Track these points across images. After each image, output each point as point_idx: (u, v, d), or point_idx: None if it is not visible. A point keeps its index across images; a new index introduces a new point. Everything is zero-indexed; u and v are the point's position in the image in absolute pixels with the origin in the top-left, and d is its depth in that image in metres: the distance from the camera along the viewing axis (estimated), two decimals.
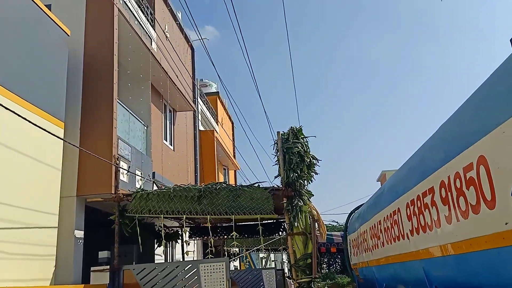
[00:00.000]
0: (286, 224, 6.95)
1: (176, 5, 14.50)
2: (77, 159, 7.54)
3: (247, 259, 18.77)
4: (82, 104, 7.74)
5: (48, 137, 6.07)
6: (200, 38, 12.10)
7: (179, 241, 11.06)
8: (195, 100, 16.07)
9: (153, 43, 11.74)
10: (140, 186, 7.53)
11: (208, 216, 7.13)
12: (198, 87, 18.89)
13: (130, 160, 9.61)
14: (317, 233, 7.29)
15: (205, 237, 10.97)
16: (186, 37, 15.90)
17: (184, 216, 7.16)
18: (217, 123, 20.45)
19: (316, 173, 7.24)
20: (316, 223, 6.97)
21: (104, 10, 7.90)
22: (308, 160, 7.17)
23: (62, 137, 6.85)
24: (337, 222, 23.29)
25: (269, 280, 14.87)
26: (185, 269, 6.91)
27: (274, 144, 7.43)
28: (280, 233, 10.48)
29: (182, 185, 7.39)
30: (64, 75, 6.99)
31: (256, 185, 7.22)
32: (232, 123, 25.14)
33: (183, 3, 13.85)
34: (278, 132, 7.36)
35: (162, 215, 7.18)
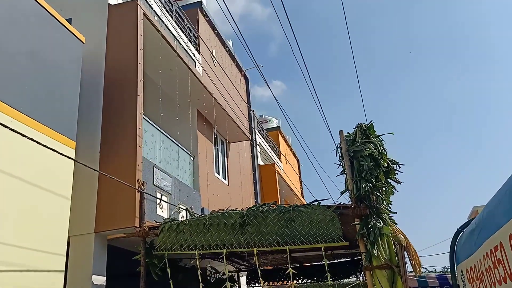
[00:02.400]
0: (362, 255, 4.95)
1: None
2: (96, 188, 6.28)
3: None
4: (103, 122, 6.60)
5: (54, 159, 4.87)
6: (256, 65, 10.85)
7: None
8: (252, 131, 14.72)
9: (197, 66, 10.71)
10: (170, 216, 6.02)
11: (255, 249, 5.35)
12: (258, 122, 17.64)
13: (171, 192, 8.24)
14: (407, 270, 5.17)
15: (268, 283, 9.06)
16: (238, 66, 14.90)
17: (224, 250, 5.45)
18: (279, 158, 18.85)
19: (399, 182, 5.25)
20: (405, 252, 4.90)
21: (128, 16, 6.91)
22: (386, 165, 5.23)
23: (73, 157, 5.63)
24: (425, 269, 19.84)
25: None
26: None
27: (337, 148, 5.61)
28: (359, 274, 8.28)
29: (220, 210, 5.76)
30: (77, 86, 5.89)
31: (316, 203, 5.37)
32: (298, 161, 23.39)
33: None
34: (340, 132, 5.56)
35: (196, 251, 5.54)
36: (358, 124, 5.55)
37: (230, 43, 14.63)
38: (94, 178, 6.30)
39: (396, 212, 5.06)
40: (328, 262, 8.73)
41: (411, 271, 7.33)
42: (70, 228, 6.23)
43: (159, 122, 8.66)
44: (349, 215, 5.17)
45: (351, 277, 8.35)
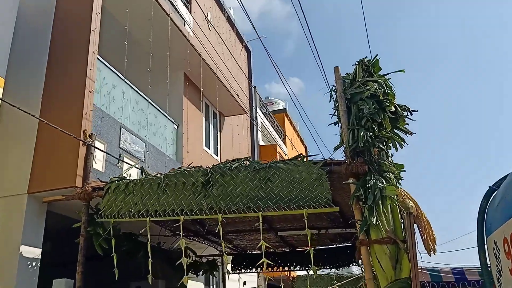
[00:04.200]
0: (357, 224, 3.69)
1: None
2: (33, 141, 5.12)
3: None
4: (49, 63, 5.44)
5: None
6: (259, 37, 9.74)
7: (218, 274, 8.10)
8: (252, 108, 13.48)
9: (187, 27, 9.51)
10: (120, 175, 4.86)
11: (219, 216, 4.14)
12: (261, 100, 16.39)
13: (143, 159, 7.08)
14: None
15: (256, 270, 7.85)
16: (239, 36, 13.64)
17: (182, 218, 4.25)
18: (284, 142, 17.57)
19: (410, 133, 3.97)
20: (415, 222, 3.62)
21: None
22: (393, 110, 3.95)
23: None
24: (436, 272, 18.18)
25: None
26: None
27: (331, 91, 4.34)
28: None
29: (180, 168, 4.55)
30: (12, 19, 4.74)
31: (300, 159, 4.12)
32: (306, 148, 22.06)
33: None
34: (336, 68, 4.28)
35: (148, 218, 4.35)
36: (360, 59, 4.27)
37: (231, 12, 13.40)
38: (32, 129, 5.17)
39: (404, 169, 3.77)
40: (325, 247, 7.54)
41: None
42: None
43: (138, 83, 7.51)
44: (341, 174, 3.91)
45: (352, 265, 7.08)
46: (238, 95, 11.15)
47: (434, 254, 3.60)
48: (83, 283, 4.31)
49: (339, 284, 10.78)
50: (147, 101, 7.74)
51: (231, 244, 7.21)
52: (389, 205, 3.61)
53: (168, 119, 8.53)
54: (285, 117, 18.57)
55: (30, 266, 4.69)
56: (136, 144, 7.11)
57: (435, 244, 3.64)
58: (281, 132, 17.60)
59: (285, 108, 19.25)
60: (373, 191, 3.54)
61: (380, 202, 3.54)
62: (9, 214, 4.86)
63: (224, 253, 4.33)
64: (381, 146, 3.82)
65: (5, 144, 5.26)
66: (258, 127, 14.12)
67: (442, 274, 8.91)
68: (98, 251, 4.60)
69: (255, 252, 7.71)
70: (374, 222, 3.43)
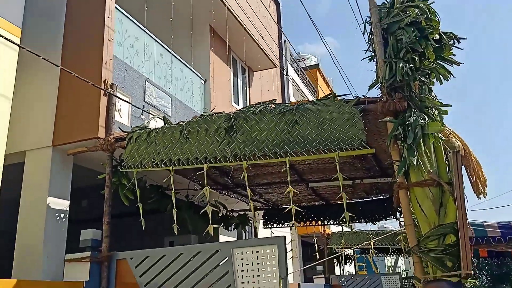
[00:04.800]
0: (395, 166, 3.33)
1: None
2: (56, 93, 4.99)
3: (364, 264, 14.84)
4: (68, 13, 5.21)
5: None
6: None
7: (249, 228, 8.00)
8: (282, 62, 12.98)
9: None
10: (142, 124, 4.65)
11: (244, 162, 3.89)
12: (292, 55, 15.80)
13: (170, 114, 6.90)
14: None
15: (288, 224, 7.67)
16: None
17: (205, 166, 4.03)
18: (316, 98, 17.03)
19: (457, 63, 3.49)
20: (462, 164, 3.22)
21: None
22: (437, 38, 3.48)
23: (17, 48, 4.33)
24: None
25: None
26: (210, 257, 3.78)
27: (365, 23, 3.89)
28: (400, 215, 6.63)
29: (202, 115, 4.30)
30: None
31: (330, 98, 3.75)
32: None
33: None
34: None
35: (171, 167, 4.16)
36: None
37: None
38: (54, 82, 5.02)
39: (450, 105, 3.34)
40: (360, 200, 7.22)
41: None
42: (23, 141, 5.08)
43: (160, 35, 7.22)
44: (377, 113, 3.53)
45: (389, 218, 6.75)
46: (267, 46, 10.69)
47: (484, 197, 3.22)
48: (110, 233, 4.23)
49: (375, 239, 10.51)
50: (172, 54, 7.47)
51: (262, 198, 7.03)
52: (432, 144, 3.23)
53: (195, 73, 8.26)
54: (318, 73, 17.91)
55: (58, 218, 4.68)
56: (162, 99, 6.92)
57: (486, 186, 3.25)
58: (313, 89, 17.03)
59: (318, 64, 18.55)
60: (413, 129, 3.15)
61: (421, 140, 3.16)
62: (36, 167, 4.81)
63: (251, 203, 4.09)
64: (422, 79, 3.39)
65: (28, 98, 5.16)
66: (289, 83, 13.65)
67: (487, 229, 8.43)
68: (124, 201, 4.50)
69: (286, 206, 7.50)
70: (415, 163, 3.06)
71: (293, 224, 7.40)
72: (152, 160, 4.25)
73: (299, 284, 9.63)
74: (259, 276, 3.60)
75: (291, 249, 7.44)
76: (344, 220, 7.18)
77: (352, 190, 6.44)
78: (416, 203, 3.15)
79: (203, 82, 8.56)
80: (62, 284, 3.98)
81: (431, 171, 3.15)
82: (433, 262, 2.92)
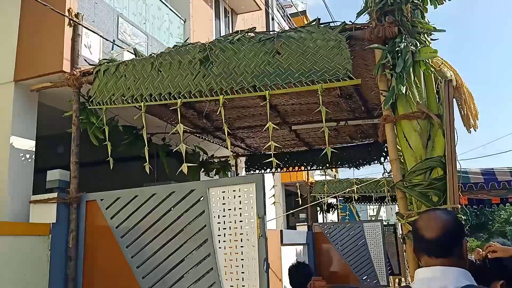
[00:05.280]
0: (381, 96, 3.09)
1: None
2: (16, 26, 4.54)
3: (346, 213, 15.07)
4: None
5: None
6: None
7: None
8: (268, 8, 12.37)
9: None
10: (110, 57, 4.29)
11: (221, 97, 3.60)
12: (279, 2, 15.12)
13: (145, 54, 6.47)
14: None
15: (271, 170, 7.52)
16: None
17: (179, 101, 3.73)
18: None
19: None
20: (453, 95, 2.99)
21: None
22: None
23: None
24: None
25: (373, 236, 11.01)
26: (184, 197, 3.58)
27: None
28: (385, 160, 6.49)
29: (177, 45, 3.95)
30: None
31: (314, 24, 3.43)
32: None
33: None
34: None
35: (143, 103, 3.86)
36: None
37: None
38: (14, 11, 4.56)
39: (444, 30, 3.06)
40: (345, 145, 7.05)
41: None
42: None
43: None
44: (365, 41, 3.24)
45: (373, 163, 6.63)
46: None
47: (475, 130, 3.03)
48: (79, 174, 3.98)
49: (358, 186, 10.53)
50: None
51: (244, 143, 6.81)
52: (422, 73, 2.98)
53: (174, 12, 7.75)
54: (305, 20, 17.25)
55: (23, 158, 4.40)
56: (137, 37, 6.47)
57: (477, 119, 3.05)
58: None
59: (305, 11, 17.86)
60: (403, 56, 2.88)
61: (411, 69, 2.90)
62: None
63: (227, 141, 3.84)
64: (415, 1, 3.08)
65: None
66: (275, 29, 13.11)
67: (470, 175, 8.44)
68: (93, 141, 4.21)
69: (269, 152, 7.31)
70: (403, 91, 2.82)
71: (275, 169, 7.24)
72: (122, 96, 3.94)
73: (281, 231, 9.67)
74: (236, 215, 3.43)
75: (273, 195, 7.33)
76: (328, 165, 7.08)
77: (336, 134, 6.25)
78: (403, 137, 2.95)
79: (182, 22, 8.06)
80: (28, 226, 3.77)
81: (420, 102, 2.92)
82: (418, 197, 2.76)
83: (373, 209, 22.14)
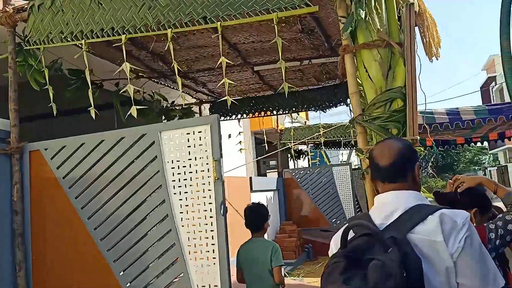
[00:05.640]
0: (340, 24, 2.85)
1: None
2: None
3: (317, 159, 15.18)
4: None
5: None
6: None
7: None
8: None
9: None
10: None
11: (169, 30, 3.28)
12: None
13: None
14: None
15: (236, 116, 7.29)
16: None
17: (123, 37, 3.39)
18: None
19: None
20: (415, 22, 2.78)
21: None
22: None
23: None
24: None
25: (343, 180, 11.18)
26: (135, 142, 3.35)
27: None
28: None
29: None
30: None
31: None
32: None
33: None
34: None
35: (84, 40, 3.49)
36: None
37: None
38: None
39: None
40: (311, 87, 6.86)
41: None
42: None
43: None
44: None
45: (339, 104, 6.49)
46: None
47: (437, 58, 2.86)
48: (19, 122, 3.66)
49: (325, 130, 10.51)
50: None
51: (206, 88, 6.52)
52: None
53: None
54: None
55: None
56: None
57: (439, 47, 2.87)
58: None
59: None
60: None
61: None
62: None
63: (178, 80, 3.56)
64: None
65: None
66: None
67: (435, 116, 8.47)
68: (33, 86, 3.85)
69: (234, 97, 7.06)
70: (363, 17, 2.58)
71: (241, 115, 7.03)
72: (61, 33, 3.55)
73: (250, 178, 9.65)
74: (190, 159, 3.24)
75: (240, 141, 7.18)
76: (294, 109, 6.91)
77: (302, 76, 6.03)
78: (363, 67, 2.75)
79: None
80: None
81: (381, 30, 2.70)
82: (378, 130, 2.62)
83: (342, 153, 22.51)
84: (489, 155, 39.51)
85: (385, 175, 1.61)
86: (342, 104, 6.37)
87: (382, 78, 2.68)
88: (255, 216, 3.92)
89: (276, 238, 10.12)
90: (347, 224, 1.52)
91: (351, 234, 1.50)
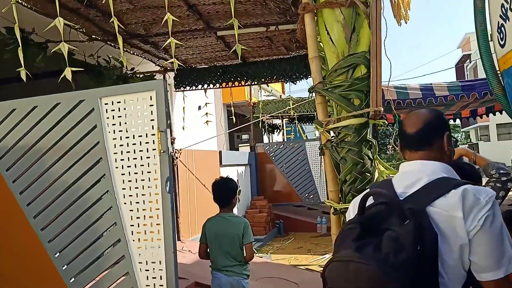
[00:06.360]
0: None
1: None
2: None
3: (292, 134, 14.97)
4: None
5: None
6: None
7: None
8: None
9: None
10: None
11: None
12: None
13: None
14: None
15: (202, 86, 6.90)
16: None
17: None
18: None
19: None
20: None
21: None
22: None
23: None
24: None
25: (316, 155, 10.99)
26: (72, 109, 2.98)
27: None
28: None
29: None
30: None
31: None
32: None
33: None
34: None
35: None
36: None
37: None
38: None
39: None
40: (281, 57, 6.52)
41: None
42: None
43: None
44: None
45: (310, 76, 6.18)
46: None
47: (406, 22, 2.57)
48: None
49: (297, 104, 10.24)
50: None
51: (168, 55, 6.10)
52: None
53: None
54: None
55: None
56: None
57: (409, 9, 2.58)
58: None
59: None
60: None
61: None
62: None
63: (120, 42, 3.19)
64: None
65: None
66: None
67: (409, 91, 8.28)
68: None
69: (200, 66, 6.68)
70: None
71: (207, 85, 6.65)
72: None
73: (220, 152, 9.36)
74: (134, 130, 2.90)
75: (206, 113, 6.84)
76: (263, 80, 6.57)
77: (270, 44, 5.68)
78: (324, 29, 2.45)
79: None
80: None
81: None
82: (338, 100, 2.33)
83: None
84: (461, 133, 40.21)
85: (410, 143, 1.58)
86: (311, 76, 6.06)
87: (344, 42, 2.38)
88: (223, 191, 3.66)
89: (246, 213, 9.94)
90: (367, 191, 1.50)
91: (370, 201, 1.47)
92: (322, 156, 2.54)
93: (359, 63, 2.31)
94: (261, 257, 7.51)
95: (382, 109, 2.24)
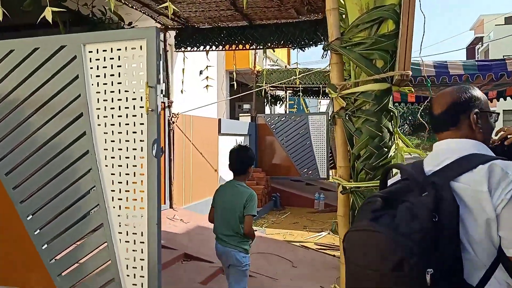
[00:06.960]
0: None
1: None
2: None
3: (295, 107, 14.56)
4: None
5: None
6: None
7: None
8: None
9: None
10: None
11: None
12: None
13: None
14: None
15: (205, 47, 6.48)
16: None
17: None
18: None
19: None
20: None
21: None
22: None
23: None
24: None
25: (318, 130, 10.67)
26: (52, 56, 2.62)
27: None
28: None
29: None
30: None
31: None
32: None
33: None
34: None
35: None
36: None
37: None
38: None
39: None
40: (290, 21, 6.08)
41: None
42: None
43: None
44: None
45: (320, 43, 5.78)
46: None
47: None
48: None
49: (303, 74, 9.81)
50: None
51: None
52: None
53: None
54: None
55: None
56: None
57: None
58: None
59: None
60: None
61: None
62: None
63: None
64: None
65: None
66: None
67: (422, 68, 7.85)
68: None
69: (204, 26, 6.24)
70: None
71: (210, 47, 6.23)
72: None
73: (219, 120, 9.01)
74: (120, 83, 2.55)
75: (207, 77, 6.45)
76: (270, 45, 6.16)
77: (280, 5, 5.24)
78: None
79: None
80: None
81: None
82: (358, 60, 1.98)
83: (320, 102, 21.95)
84: None
85: (437, 124, 1.55)
86: (323, 42, 5.65)
87: None
88: (241, 158, 3.40)
89: None
90: (387, 166, 1.55)
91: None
92: (333, 127, 2.20)
93: (387, 17, 1.94)
94: (256, 230, 7.29)
95: (410, 73, 1.89)
